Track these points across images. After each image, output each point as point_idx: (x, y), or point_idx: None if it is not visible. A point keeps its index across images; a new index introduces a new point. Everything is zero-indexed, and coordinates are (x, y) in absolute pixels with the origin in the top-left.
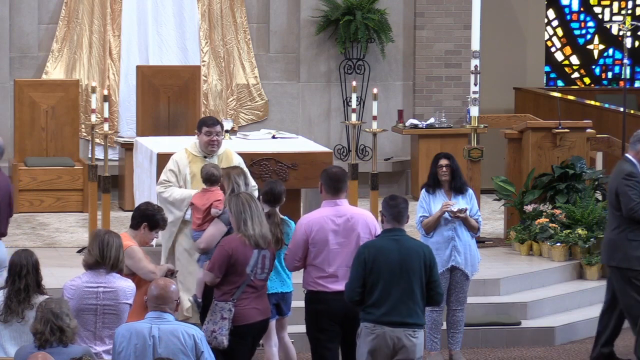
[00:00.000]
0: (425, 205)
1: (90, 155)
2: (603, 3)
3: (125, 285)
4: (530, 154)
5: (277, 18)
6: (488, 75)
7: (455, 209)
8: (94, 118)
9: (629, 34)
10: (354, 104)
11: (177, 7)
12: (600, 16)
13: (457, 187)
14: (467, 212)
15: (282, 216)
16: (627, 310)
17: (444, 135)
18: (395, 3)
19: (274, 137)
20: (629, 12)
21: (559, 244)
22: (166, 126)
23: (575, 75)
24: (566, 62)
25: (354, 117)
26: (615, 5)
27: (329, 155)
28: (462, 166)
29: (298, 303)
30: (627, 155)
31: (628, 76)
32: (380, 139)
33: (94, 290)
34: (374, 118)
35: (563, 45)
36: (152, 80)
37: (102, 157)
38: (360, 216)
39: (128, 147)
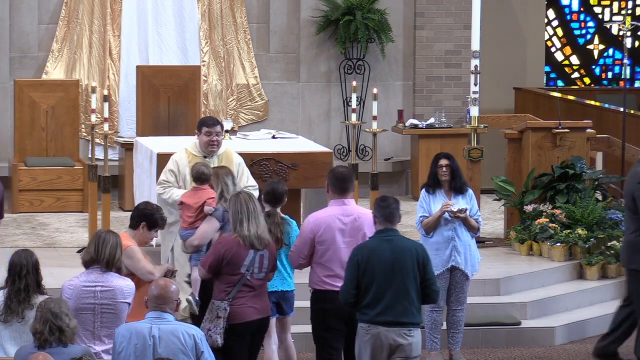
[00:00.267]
0: (425, 206)
1: (90, 155)
2: (603, 3)
3: (123, 285)
4: (530, 154)
5: (277, 18)
6: (488, 75)
7: (455, 209)
8: (94, 118)
9: (629, 34)
10: (354, 104)
11: (177, 7)
12: (600, 16)
13: (457, 187)
14: (467, 212)
15: (282, 215)
16: None
17: (444, 135)
18: (395, 3)
19: (274, 137)
20: (629, 12)
21: (559, 244)
22: (166, 126)
23: (575, 75)
24: (566, 62)
25: (354, 117)
26: (615, 5)
27: (329, 155)
28: (462, 166)
29: (299, 303)
30: None
31: (628, 76)
32: (380, 139)
33: (91, 290)
34: (374, 118)
35: (563, 45)
36: (152, 80)
37: (102, 157)
38: (367, 216)
39: (128, 147)
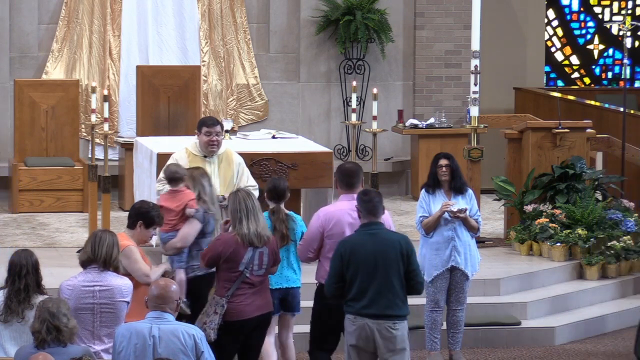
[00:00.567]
0: (425, 206)
1: (90, 155)
2: (603, 3)
3: (121, 283)
4: (530, 154)
5: (277, 18)
6: (488, 75)
7: (455, 209)
8: (94, 118)
9: (629, 34)
10: (354, 104)
11: (177, 7)
12: (600, 16)
13: (457, 187)
14: (467, 212)
15: (287, 211)
16: None
17: (444, 135)
18: (395, 3)
19: (274, 137)
20: (629, 12)
21: (559, 244)
22: (166, 126)
23: (575, 75)
24: (566, 62)
25: (354, 117)
26: (615, 5)
27: (329, 155)
28: (462, 166)
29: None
30: None
31: (628, 76)
32: (380, 139)
33: (90, 289)
34: (374, 118)
35: (563, 45)
36: (152, 80)
37: (102, 157)
38: None
39: (128, 147)
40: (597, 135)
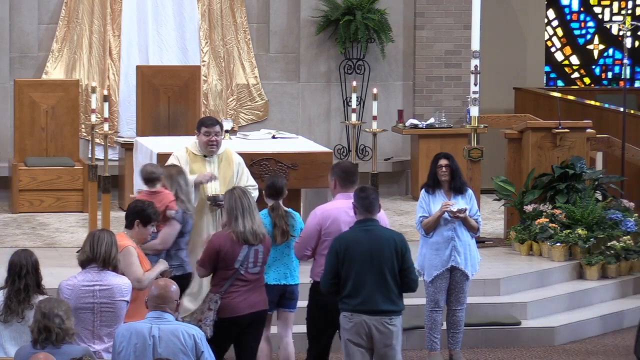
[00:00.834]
0: (425, 206)
1: (90, 155)
2: (603, 3)
3: (121, 283)
4: (530, 154)
5: (277, 18)
6: (488, 75)
7: (454, 209)
8: (94, 118)
9: (629, 34)
10: (354, 104)
11: (177, 7)
12: (600, 16)
13: (456, 187)
14: (467, 212)
15: (286, 208)
16: None
17: (444, 135)
18: (395, 3)
19: (274, 137)
20: (629, 12)
21: (559, 244)
22: (166, 126)
23: (575, 75)
24: (566, 62)
25: (354, 117)
26: (615, 5)
27: (329, 155)
28: (462, 166)
29: (299, 303)
30: None
31: (628, 76)
32: (380, 139)
33: (90, 289)
34: (374, 118)
35: (563, 45)
36: (152, 80)
37: (102, 157)
38: None
39: (128, 147)
40: (597, 135)
